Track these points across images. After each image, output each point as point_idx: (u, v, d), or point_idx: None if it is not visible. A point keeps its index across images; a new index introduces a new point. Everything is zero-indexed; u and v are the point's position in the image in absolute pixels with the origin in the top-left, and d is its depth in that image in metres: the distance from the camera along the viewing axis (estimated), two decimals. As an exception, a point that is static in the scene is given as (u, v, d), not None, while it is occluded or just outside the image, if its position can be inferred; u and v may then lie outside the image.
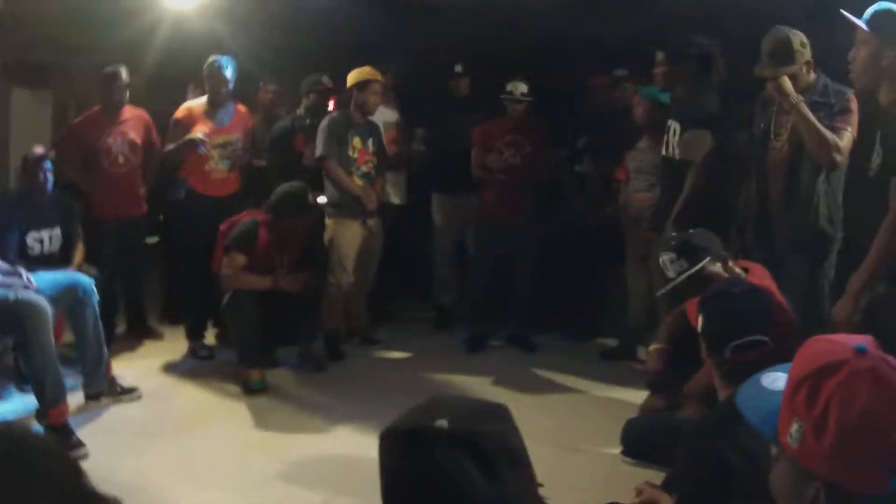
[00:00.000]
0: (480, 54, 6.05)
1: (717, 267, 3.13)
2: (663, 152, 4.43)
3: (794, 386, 1.51)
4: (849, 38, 3.06)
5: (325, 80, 5.49)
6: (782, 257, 3.50)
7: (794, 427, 1.48)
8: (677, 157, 4.26)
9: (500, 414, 1.20)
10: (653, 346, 3.38)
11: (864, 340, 1.49)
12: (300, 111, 5.51)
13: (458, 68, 5.85)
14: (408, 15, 6.44)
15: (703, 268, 3.08)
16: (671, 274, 3.15)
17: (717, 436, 2.12)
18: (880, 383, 1.41)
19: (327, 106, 5.65)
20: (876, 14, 2.84)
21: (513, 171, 5.33)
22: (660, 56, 4.53)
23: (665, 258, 3.16)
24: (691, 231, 3.26)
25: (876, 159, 2.89)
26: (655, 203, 4.60)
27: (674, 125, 4.31)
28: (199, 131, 4.95)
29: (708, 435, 2.23)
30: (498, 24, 6.47)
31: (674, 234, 3.26)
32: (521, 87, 5.33)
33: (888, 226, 2.74)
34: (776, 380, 1.74)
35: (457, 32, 6.44)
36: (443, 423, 1.11)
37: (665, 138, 4.39)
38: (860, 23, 2.85)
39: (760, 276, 3.14)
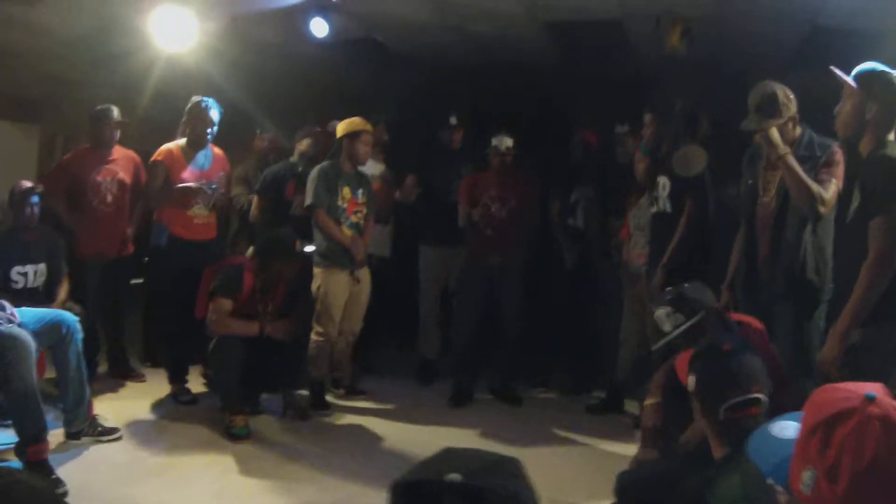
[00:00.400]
0: (468, 105, 6.14)
1: (710, 321, 3.13)
2: (653, 208, 4.49)
3: (806, 434, 1.52)
4: (824, 90, 3.19)
5: (330, 126, 5.48)
6: (770, 308, 3.52)
7: (807, 475, 1.49)
8: (668, 211, 4.32)
9: (512, 469, 1.19)
10: (648, 401, 3.35)
11: (873, 388, 1.51)
12: (294, 158, 5.52)
13: (453, 120, 5.87)
14: (392, 66, 6.59)
15: (699, 321, 3.08)
16: (667, 328, 3.12)
17: (716, 496, 2.10)
18: (890, 430, 1.42)
19: (322, 154, 5.66)
20: (862, 72, 2.96)
21: (498, 224, 5.36)
22: (647, 116, 4.63)
23: (661, 312, 3.13)
24: (685, 285, 3.24)
25: (854, 204, 2.95)
26: (647, 259, 4.64)
27: (663, 181, 4.39)
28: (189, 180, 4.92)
29: (705, 491, 2.19)
30: (483, 76, 6.63)
31: (668, 288, 3.26)
32: (507, 142, 5.38)
33: (869, 267, 2.77)
34: (785, 428, 1.77)
35: (443, 83, 6.58)
36: (454, 476, 1.09)
37: (654, 194, 4.45)
38: (848, 79, 2.96)
39: (753, 328, 3.13)
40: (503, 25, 5.68)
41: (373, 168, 5.60)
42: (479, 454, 1.21)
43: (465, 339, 5.47)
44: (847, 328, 2.80)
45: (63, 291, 4.52)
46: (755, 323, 3.19)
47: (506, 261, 5.34)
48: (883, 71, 2.92)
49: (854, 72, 2.97)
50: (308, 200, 4.97)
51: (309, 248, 4.87)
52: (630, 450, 3.88)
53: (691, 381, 2.39)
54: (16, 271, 4.32)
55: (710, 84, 5.42)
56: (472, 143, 5.85)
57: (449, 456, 1.18)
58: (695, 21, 5.07)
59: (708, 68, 5.62)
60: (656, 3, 5.07)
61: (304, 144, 5.49)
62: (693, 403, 2.43)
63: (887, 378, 2.22)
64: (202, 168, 5.01)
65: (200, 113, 4.93)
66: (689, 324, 3.06)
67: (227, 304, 4.46)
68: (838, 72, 3.00)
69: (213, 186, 5.01)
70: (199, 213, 5.00)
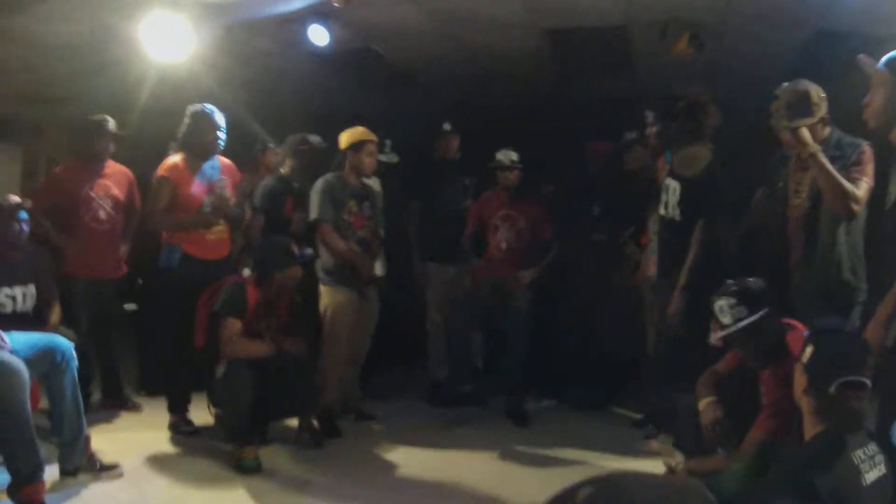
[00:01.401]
0: (466, 120, 5.99)
1: (771, 318, 3.00)
2: (662, 212, 4.37)
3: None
4: (830, 94, 3.37)
5: (312, 139, 5.26)
6: (805, 313, 3.35)
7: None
8: (678, 219, 4.23)
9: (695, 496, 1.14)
10: (703, 402, 3.19)
11: None
12: (284, 171, 5.27)
13: (447, 126, 5.83)
14: (387, 83, 6.42)
15: (764, 316, 2.94)
16: (726, 320, 3.01)
17: (812, 466, 2.15)
18: None
19: (313, 166, 5.41)
20: (893, 59, 2.90)
21: (507, 246, 5.31)
22: (649, 116, 4.51)
23: (723, 303, 3.03)
24: (750, 278, 3.13)
25: (893, 197, 2.90)
26: (657, 265, 4.55)
27: (673, 184, 4.29)
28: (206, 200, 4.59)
29: (803, 463, 2.23)
30: (479, 90, 6.49)
31: (730, 281, 3.09)
32: (511, 155, 5.34)
33: None
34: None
35: (438, 100, 6.42)
36: None
37: (664, 198, 4.34)
38: (881, 66, 2.90)
39: (799, 331, 3.03)
40: (503, 33, 5.52)
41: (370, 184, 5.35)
42: (656, 480, 1.20)
43: (461, 354, 5.41)
44: (890, 314, 2.74)
45: (55, 315, 4.13)
46: (800, 326, 3.10)
47: (512, 281, 5.23)
48: None
49: (884, 59, 2.91)
50: (313, 215, 4.73)
51: (307, 251, 4.60)
52: (641, 465, 3.98)
53: (808, 353, 2.37)
54: (3, 294, 3.92)
55: (715, 89, 5.36)
56: (474, 156, 5.70)
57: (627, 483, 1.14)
58: (701, 27, 4.97)
59: (713, 73, 5.54)
60: (661, 8, 4.95)
61: (295, 158, 5.22)
62: (796, 379, 2.42)
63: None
64: (210, 180, 4.64)
65: (205, 118, 4.58)
66: (754, 318, 2.98)
67: (237, 324, 4.18)
68: (867, 60, 2.95)
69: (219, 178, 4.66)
70: (213, 228, 4.65)
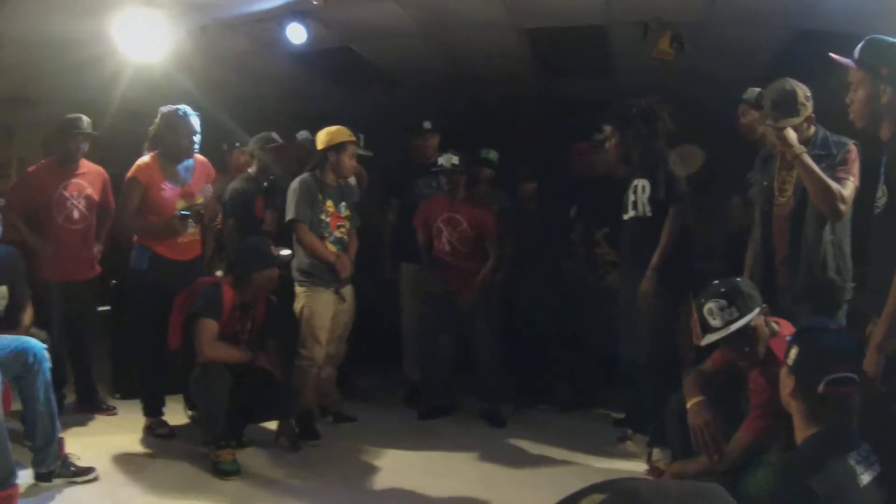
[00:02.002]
0: (445, 119, 5.96)
1: (762, 319, 2.94)
2: (631, 213, 4.34)
3: None
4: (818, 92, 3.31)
5: (276, 136, 5.20)
6: (790, 312, 3.35)
7: None
8: (648, 215, 4.23)
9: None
10: (690, 402, 3.15)
11: None
12: (252, 170, 5.19)
13: (427, 125, 5.76)
14: (365, 83, 6.36)
15: (754, 317, 2.89)
16: (717, 322, 2.93)
17: (807, 469, 2.10)
18: None
19: (280, 165, 5.34)
20: (866, 48, 2.80)
21: (451, 250, 5.27)
22: (607, 129, 4.51)
23: (713, 305, 2.93)
24: (737, 278, 3.10)
25: (881, 197, 2.80)
26: (623, 264, 4.59)
27: (641, 183, 4.29)
28: (178, 205, 4.48)
29: (798, 468, 2.18)
30: (458, 89, 6.46)
31: (716, 281, 3.06)
32: (453, 159, 5.27)
33: None
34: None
35: (417, 99, 6.37)
36: None
37: (632, 199, 4.33)
38: (851, 63, 2.82)
39: (789, 330, 2.96)
40: (483, 33, 5.49)
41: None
42: (672, 485, 1.17)
43: (432, 363, 5.37)
44: (883, 338, 2.60)
45: (27, 317, 4.02)
46: (788, 326, 3.05)
47: (465, 287, 5.19)
48: (890, 44, 2.76)
49: (856, 52, 2.82)
50: (289, 215, 4.66)
51: (285, 252, 4.51)
52: (621, 466, 4.02)
53: (792, 354, 2.34)
54: (-26, 296, 3.86)
55: (695, 90, 5.37)
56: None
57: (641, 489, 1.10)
58: (681, 27, 4.97)
59: (694, 74, 5.54)
60: (641, 9, 4.94)
61: (261, 158, 5.18)
62: (782, 381, 2.39)
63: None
64: (183, 183, 4.54)
65: (180, 121, 4.46)
66: (745, 319, 2.89)
67: (213, 325, 4.10)
68: (839, 57, 2.87)
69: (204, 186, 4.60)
70: (185, 230, 4.54)
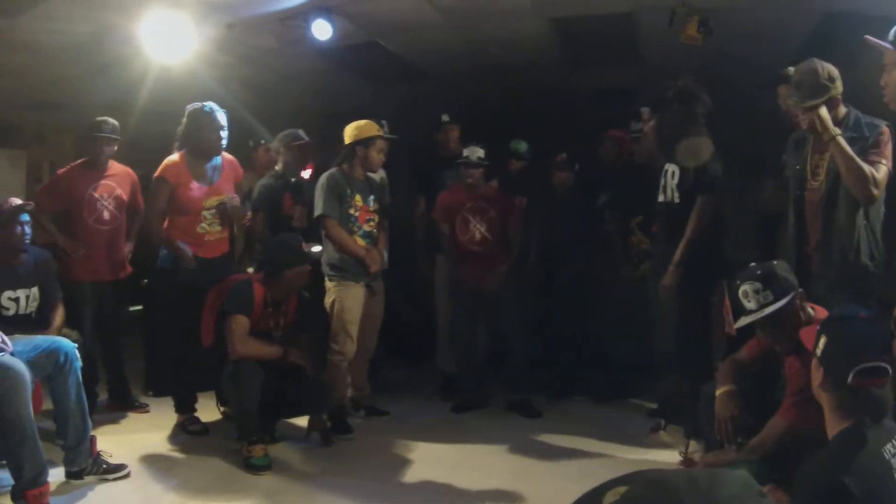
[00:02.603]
0: (474, 112, 5.93)
1: (797, 303, 2.86)
2: (661, 198, 4.32)
3: None
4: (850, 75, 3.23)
5: (302, 134, 5.20)
6: (824, 298, 3.27)
7: None
8: (676, 202, 4.18)
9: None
10: (720, 391, 3.08)
11: None
12: (278, 168, 5.20)
13: (445, 118, 5.77)
14: (393, 78, 6.34)
15: (791, 301, 2.81)
16: (752, 305, 2.87)
17: (841, 465, 1.98)
18: None
19: (306, 162, 5.35)
20: None
21: (482, 239, 5.22)
22: (645, 112, 4.46)
23: (748, 288, 2.87)
24: (774, 262, 3.00)
25: None
26: (654, 251, 4.54)
27: (672, 168, 4.24)
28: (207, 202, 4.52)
29: (831, 464, 2.05)
30: (486, 81, 6.41)
31: (753, 263, 2.99)
32: (478, 152, 5.23)
33: None
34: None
35: (445, 93, 6.34)
36: None
37: (662, 182, 4.29)
38: (888, 45, 2.78)
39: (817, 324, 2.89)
40: (509, 23, 5.43)
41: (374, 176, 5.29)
42: (698, 475, 1.10)
43: (467, 356, 5.33)
44: None
45: (58, 317, 4.09)
46: (824, 312, 2.96)
47: (493, 277, 5.14)
48: None
49: (892, 34, 2.79)
50: (317, 211, 4.66)
51: (316, 249, 4.52)
52: (647, 456, 4.03)
53: (821, 344, 2.22)
54: (6, 297, 3.89)
55: (722, 73, 5.26)
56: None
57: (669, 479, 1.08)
58: (708, 11, 4.87)
59: (720, 58, 5.44)
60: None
61: (287, 154, 5.17)
62: (813, 373, 2.26)
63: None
64: (211, 182, 4.55)
65: (206, 117, 4.46)
66: (781, 303, 2.82)
67: (245, 322, 4.11)
68: (874, 39, 2.82)
69: (225, 201, 4.58)
70: (211, 229, 4.58)
